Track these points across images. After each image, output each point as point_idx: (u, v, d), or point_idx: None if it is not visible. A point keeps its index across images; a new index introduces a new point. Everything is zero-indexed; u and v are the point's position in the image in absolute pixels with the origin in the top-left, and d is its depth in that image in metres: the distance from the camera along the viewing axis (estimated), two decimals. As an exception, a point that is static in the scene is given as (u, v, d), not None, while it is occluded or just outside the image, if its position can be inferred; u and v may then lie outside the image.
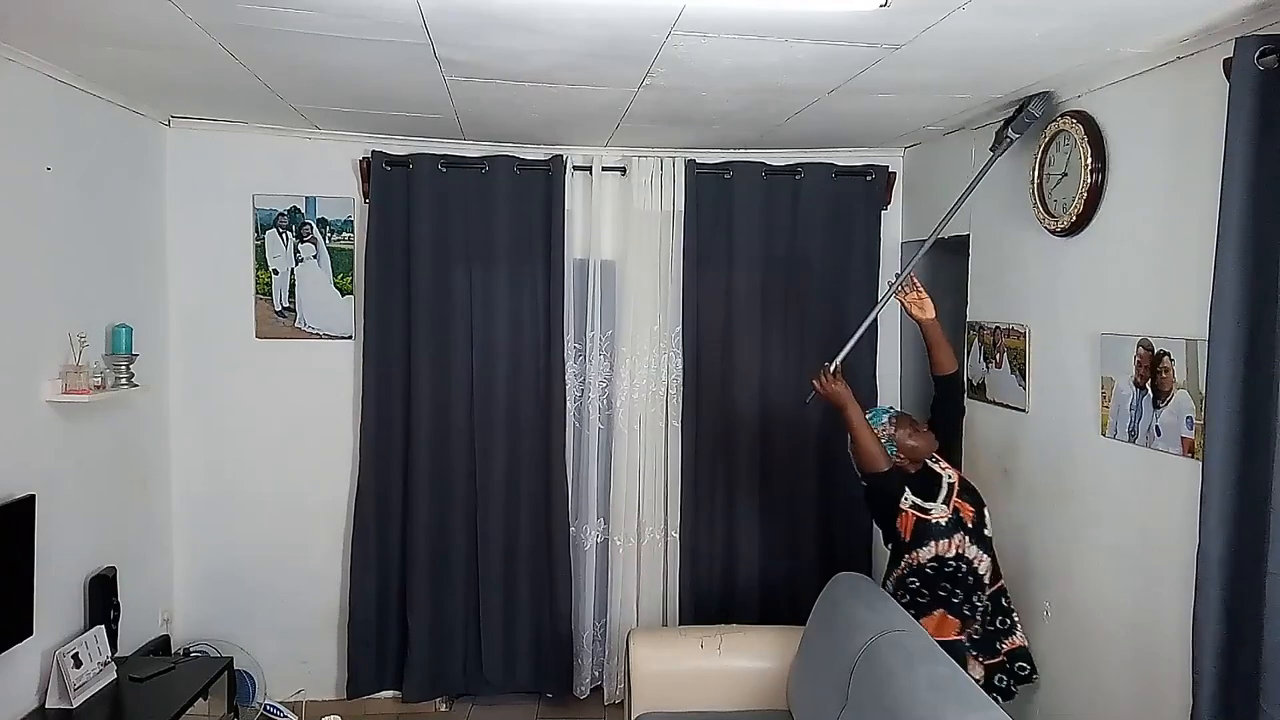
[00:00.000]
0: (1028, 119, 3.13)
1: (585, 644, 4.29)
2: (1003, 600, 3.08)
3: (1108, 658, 2.87)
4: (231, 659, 3.65)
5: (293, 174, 4.10)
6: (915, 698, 2.40)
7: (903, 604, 2.97)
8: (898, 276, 3.29)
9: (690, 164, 4.19)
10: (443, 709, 4.31)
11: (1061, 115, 3.04)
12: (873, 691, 2.62)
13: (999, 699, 2.90)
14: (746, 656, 3.45)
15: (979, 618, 3.00)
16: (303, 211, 4.12)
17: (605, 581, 4.32)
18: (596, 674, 4.34)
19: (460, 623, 4.22)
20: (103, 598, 3.35)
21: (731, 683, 3.41)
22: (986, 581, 3.02)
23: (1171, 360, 2.58)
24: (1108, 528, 2.88)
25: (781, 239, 4.25)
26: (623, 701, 3.84)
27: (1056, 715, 3.14)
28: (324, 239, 4.15)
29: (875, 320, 3.55)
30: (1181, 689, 2.40)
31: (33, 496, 2.90)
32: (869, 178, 4.28)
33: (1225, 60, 2.23)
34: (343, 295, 4.17)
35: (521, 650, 4.27)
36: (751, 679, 3.41)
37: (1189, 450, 2.51)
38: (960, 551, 2.96)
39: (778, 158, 4.25)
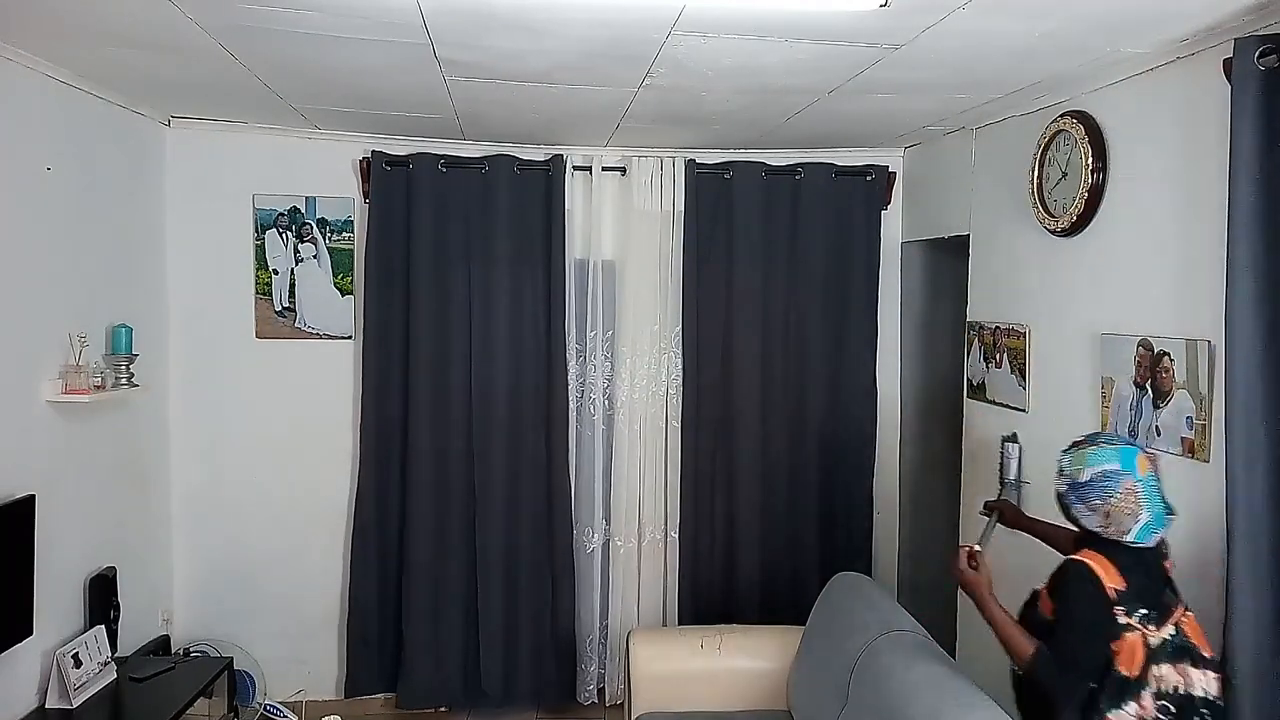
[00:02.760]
0: None
1: (589, 649, 4.27)
2: None
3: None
4: (231, 659, 3.65)
5: (293, 174, 4.10)
6: (915, 697, 2.40)
7: None
8: None
9: (690, 164, 4.19)
10: (443, 709, 4.31)
11: (1062, 115, 3.04)
12: (873, 691, 2.62)
13: None
14: (746, 656, 3.45)
15: None
16: (303, 211, 4.12)
17: (606, 583, 4.31)
18: (600, 675, 4.32)
19: (460, 624, 4.20)
20: (103, 598, 3.35)
21: (731, 683, 3.41)
22: None
23: (1171, 360, 2.57)
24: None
25: (781, 239, 4.25)
26: (623, 702, 3.84)
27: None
28: (324, 239, 4.15)
29: None
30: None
31: (33, 496, 2.89)
32: (869, 178, 4.28)
33: (1225, 60, 2.24)
34: (343, 295, 4.17)
35: (523, 658, 4.22)
36: (751, 679, 3.41)
37: (1189, 450, 2.51)
38: None
39: (778, 158, 4.25)
